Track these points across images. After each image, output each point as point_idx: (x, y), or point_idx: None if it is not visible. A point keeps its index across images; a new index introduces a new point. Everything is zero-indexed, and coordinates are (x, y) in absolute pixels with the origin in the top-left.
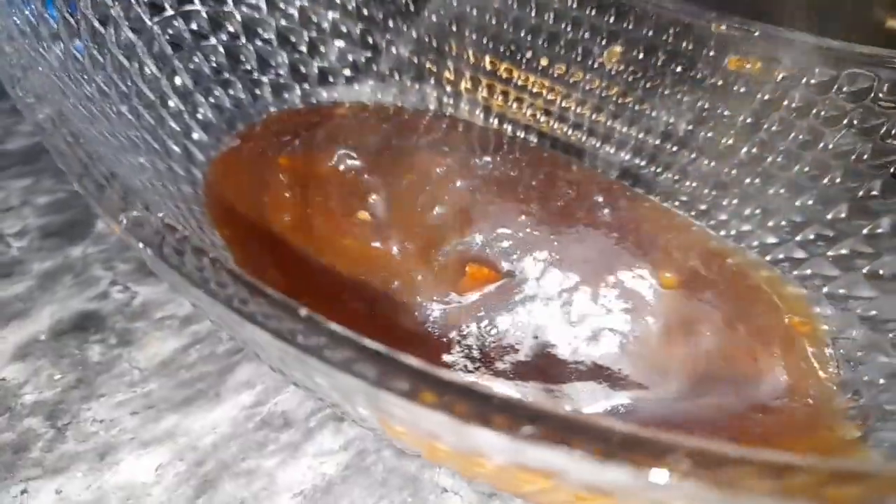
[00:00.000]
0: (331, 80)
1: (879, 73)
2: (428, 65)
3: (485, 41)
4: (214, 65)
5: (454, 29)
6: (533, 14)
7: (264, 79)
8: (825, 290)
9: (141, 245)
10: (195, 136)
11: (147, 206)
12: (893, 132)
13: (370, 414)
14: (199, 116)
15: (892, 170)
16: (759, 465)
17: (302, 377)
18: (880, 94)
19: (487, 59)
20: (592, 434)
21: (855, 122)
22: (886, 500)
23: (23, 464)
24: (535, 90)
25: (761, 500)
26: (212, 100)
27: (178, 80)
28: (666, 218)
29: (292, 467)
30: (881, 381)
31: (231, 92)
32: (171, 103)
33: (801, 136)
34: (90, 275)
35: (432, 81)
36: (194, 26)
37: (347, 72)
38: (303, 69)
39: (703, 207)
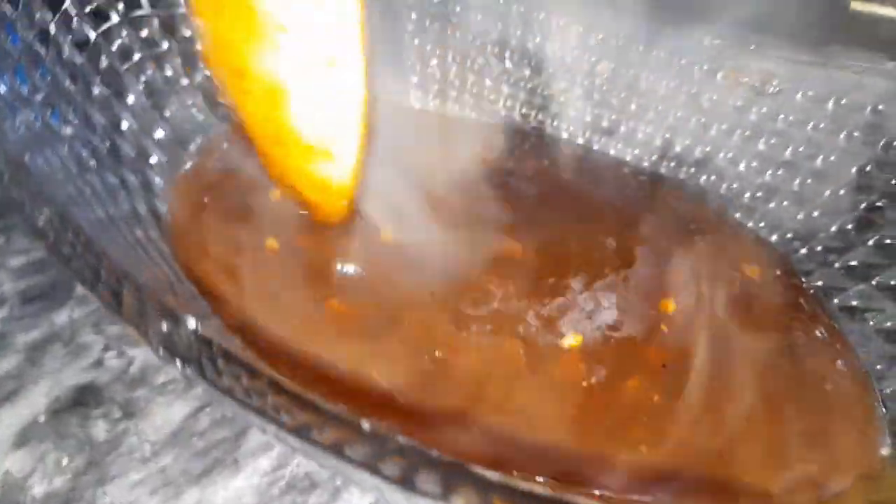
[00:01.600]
0: None
1: (871, 83)
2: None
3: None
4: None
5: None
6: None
7: None
8: (835, 301)
9: (179, 364)
10: (153, 159)
11: (177, 316)
12: (894, 143)
13: None
14: (157, 136)
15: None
16: None
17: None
18: (879, 107)
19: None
20: None
21: (855, 133)
22: None
23: None
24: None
25: None
26: (167, 113)
27: (130, 98)
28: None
29: None
30: None
31: (191, 101)
32: (125, 125)
33: (800, 149)
34: (80, 341)
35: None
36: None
37: None
38: None
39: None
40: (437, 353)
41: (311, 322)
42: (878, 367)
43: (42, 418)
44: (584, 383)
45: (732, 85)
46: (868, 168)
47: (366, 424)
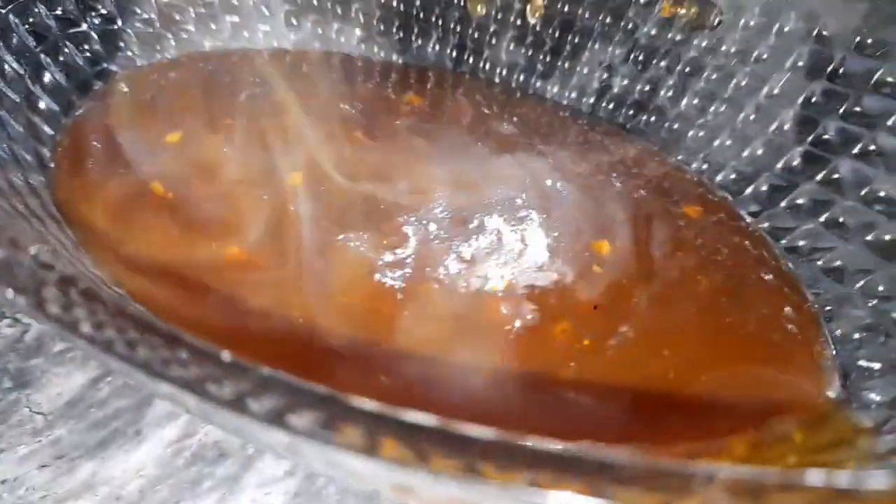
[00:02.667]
0: (213, 26)
1: (816, 7)
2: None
3: None
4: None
5: None
6: None
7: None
8: (783, 242)
9: (11, 294)
10: (42, 104)
11: (15, 239)
12: (841, 71)
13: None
14: (46, 80)
15: None
16: None
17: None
18: (824, 33)
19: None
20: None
21: (800, 64)
22: None
23: None
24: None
25: None
26: (61, 58)
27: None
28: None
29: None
30: (855, 335)
31: (87, 46)
32: (7, 68)
33: (743, 83)
34: None
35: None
36: None
37: (234, 17)
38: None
39: None
40: (343, 300)
41: (209, 271)
42: (828, 308)
43: None
44: (510, 328)
45: (670, 19)
46: (814, 99)
47: (266, 371)
